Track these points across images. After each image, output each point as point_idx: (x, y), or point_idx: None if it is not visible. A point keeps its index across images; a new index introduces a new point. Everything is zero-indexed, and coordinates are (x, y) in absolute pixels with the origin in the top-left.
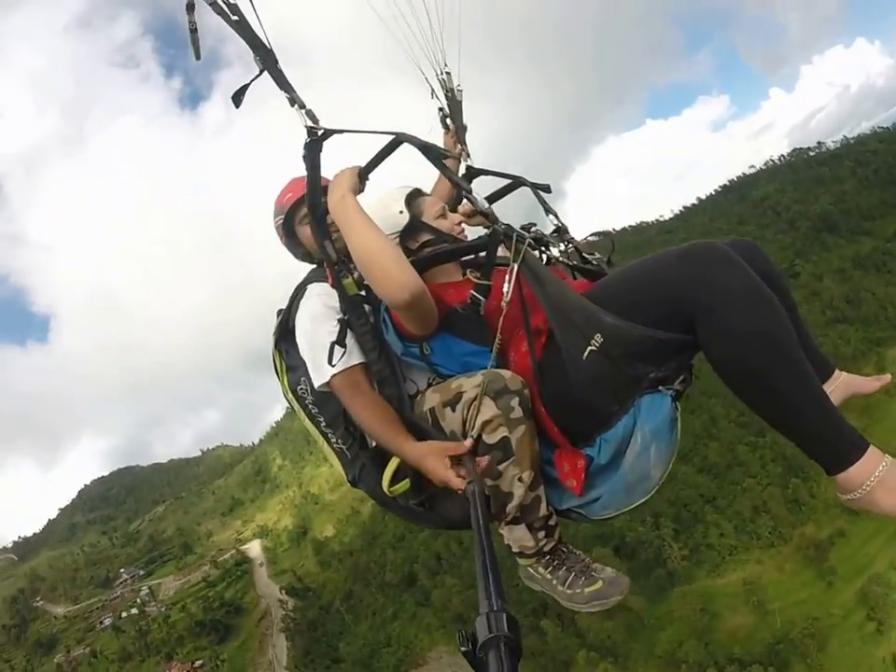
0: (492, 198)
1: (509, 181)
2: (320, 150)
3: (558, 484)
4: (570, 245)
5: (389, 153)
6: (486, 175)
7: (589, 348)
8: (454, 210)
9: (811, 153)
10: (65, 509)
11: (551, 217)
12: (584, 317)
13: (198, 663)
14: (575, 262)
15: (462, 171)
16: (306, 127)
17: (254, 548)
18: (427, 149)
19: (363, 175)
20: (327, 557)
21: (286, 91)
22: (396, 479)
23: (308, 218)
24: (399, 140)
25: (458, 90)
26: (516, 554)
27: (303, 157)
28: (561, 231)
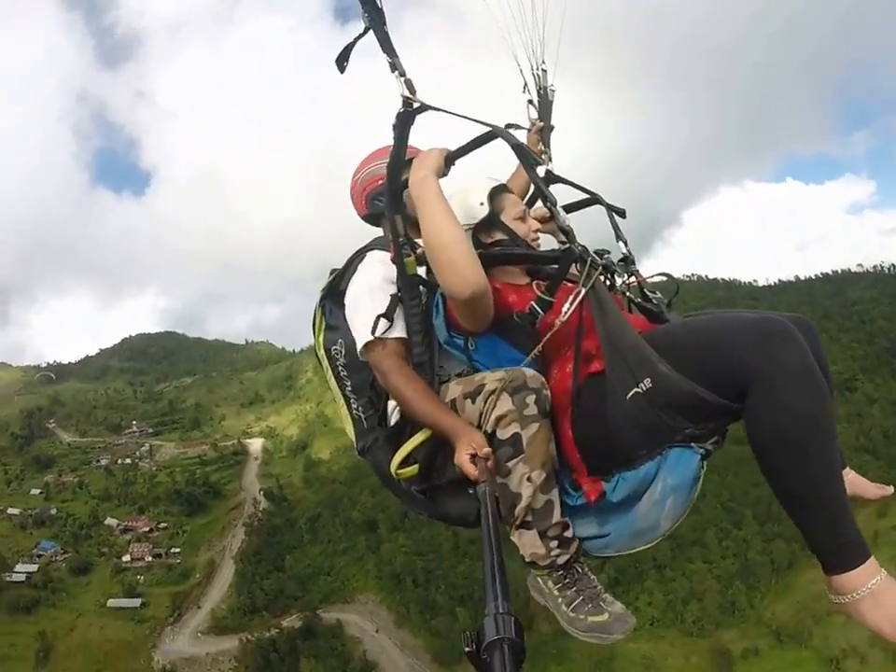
0: (564, 209)
1: (585, 196)
2: (411, 123)
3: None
4: (634, 279)
5: (481, 145)
6: (565, 184)
7: (635, 390)
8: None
9: None
10: (105, 350)
11: (620, 243)
12: (638, 358)
13: (163, 524)
14: (635, 296)
15: (541, 173)
16: (402, 96)
17: (256, 444)
18: (521, 151)
19: (450, 159)
20: (312, 477)
21: (388, 55)
22: (405, 463)
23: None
24: (493, 134)
25: (551, 89)
26: (528, 564)
27: (393, 126)
28: (628, 261)
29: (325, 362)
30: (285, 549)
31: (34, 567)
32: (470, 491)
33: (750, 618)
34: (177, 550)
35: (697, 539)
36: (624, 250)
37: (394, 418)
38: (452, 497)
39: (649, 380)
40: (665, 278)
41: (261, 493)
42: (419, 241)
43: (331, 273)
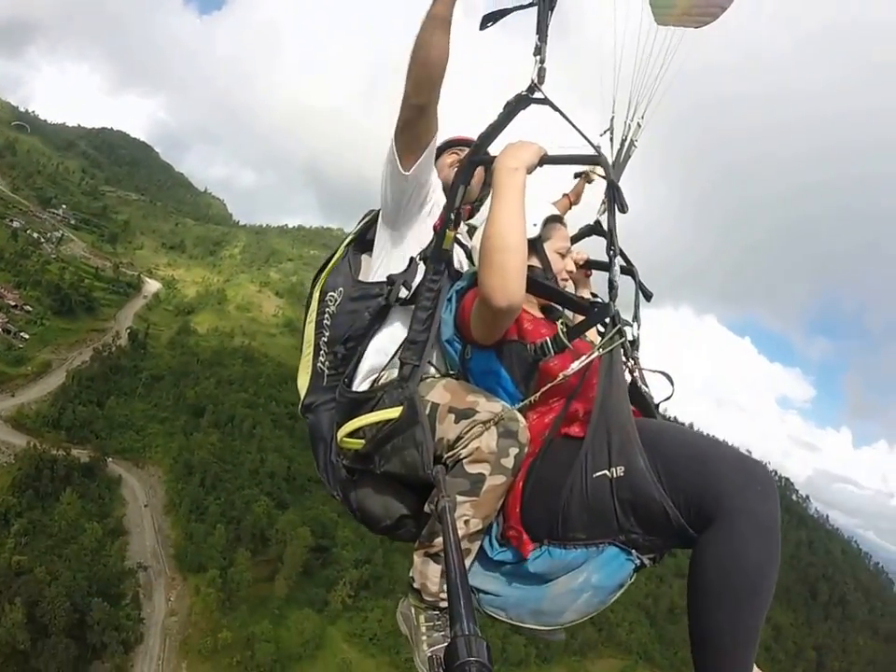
0: (591, 264)
1: (623, 263)
2: (524, 108)
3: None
4: (635, 363)
5: (578, 163)
6: (608, 241)
7: (605, 472)
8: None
9: None
10: (82, 129)
11: (635, 324)
12: (622, 442)
13: (28, 308)
14: (636, 381)
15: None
16: (532, 81)
17: (151, 286)
18: (615, 189)
19: (543, 162)
20: (178, 341)
21: (539, 38)
22: (353, 434)
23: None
24: (596, 160)
25: (635, 145)
26: (412, 589)
27: (507, 102)
28: (635, 345)
29: (313, 303)
30: (115, 389)
31: None
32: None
33: None
34: (27, 336)
35: None
36: (636, 332)
37: (362, 386)
38: (378, 490)
39: (623, 469)
40: (661, 375)
41: (127, 330)
42: (470, 221)
43: (365, 215)
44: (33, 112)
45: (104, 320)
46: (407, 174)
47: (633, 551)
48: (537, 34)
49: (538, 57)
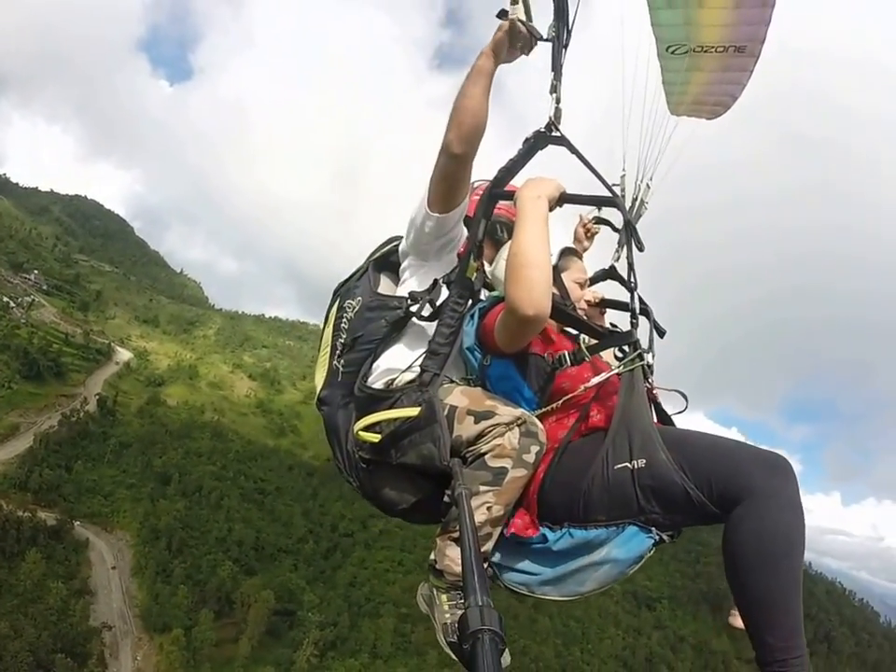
0: (607, 303)
1: (638, 304)
2: (543, 147)
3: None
4: (652, 386)
5: (595, 205)
6: (627, 276)
7: (626, 464)
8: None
9: None
10: (55, 195)
11: (650, 354)
12: (643, 441)
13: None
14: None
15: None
16: (549, 119)
17: (123, 356)
18: (631, 229)
19: (562, 199)
20: (148, 412)
21: (554, 75)
22: (369, 429)
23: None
24: (613, 202)
25: (646, 206)
26: (434, 571)
27: (526, 139)
28: (650, 369)
29: (333, 310)
30: (83, 454)
31: None
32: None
33: None
34: None
35: None
36: (652, 361)
37: (377, 384)
38: (393, 479)
39: (644, 461)
40: (678, 394)
41: (96, 397)
42: (486, 267)
43: (389, 240)
44: (4, 174)
45: (72, 385)
46: (437, 221)
47: (653, 528)
48: (552, 71)
49: (554, 95)
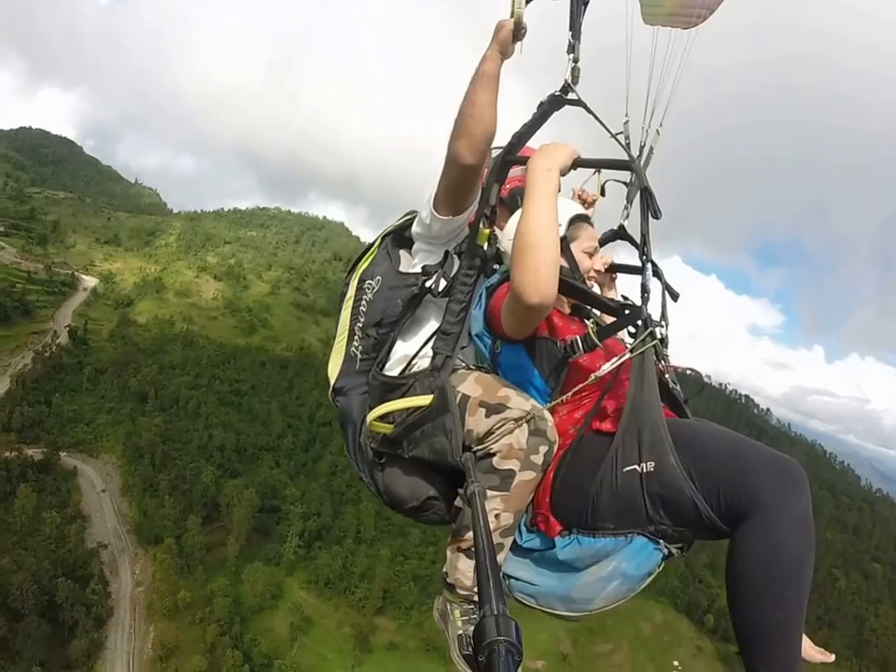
0: (616, 267)
1: (653, 270)
2: (557, 109)
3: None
4: (666, 363)
5: (611, 167)
6: (641, 247)
7: (635, 467)
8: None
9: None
10: (3, 132)
11: (663, 323)
12: (653, 440)
13: None
14: (668, 381)
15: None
16: (565, 80)
17: (89, 283)
18: (648, 195)
19: (576, 165)
20: (119, 334)
21: (572, 34)
22: (383, 418)
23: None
24: (629, 166)
25: (653, 153)
26: (447, 584)
27: (540, 103)
28: (664, 343)
29: (351, 290)
30: (60, 387)
31: None
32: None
33: None
34: None
35: None
36: (665, 332)
37: (394, 371)
38: (405, 473)
39: (653, 464)
40: (692, 373)
41: (67, 328)
42: (498, 230)
43: (407, 214)
44: None
45: (42, 322)
46: (446, 223)
47: (661, 541)
48: (570, 30)
49: (571, 56)
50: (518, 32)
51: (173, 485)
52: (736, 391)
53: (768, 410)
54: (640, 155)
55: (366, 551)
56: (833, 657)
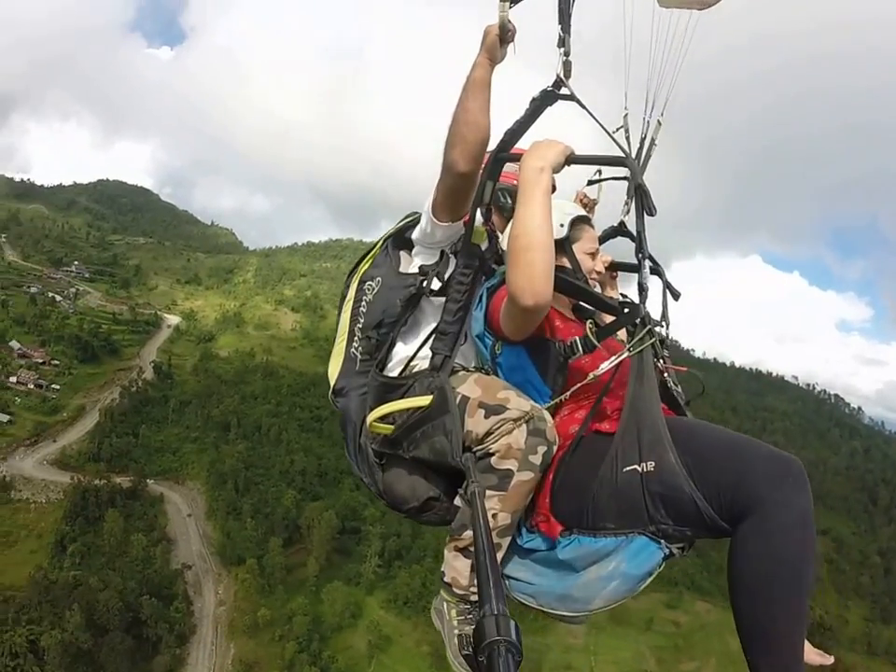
0: (617, 266)
1: (650, 265)
2: (551, 104)
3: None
4: (665, 363)
5: (605, 163)
6: (637, 245)
7: (635, 466)
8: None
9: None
10: (79, 185)
11: (663, 322)
12: (652, 439)
13: (55, 362)
14: (667, 380)
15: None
16: (557, 76)
17: (172, 321)
18: (643, 192)
19: (569, 161)
20: (202, 367)
21: (562, 28)
22: (382, 419)
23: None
24: (623, 162)
25: (655, 144)
26: (444, 584)
27: (532, 98)
28: (664, 342)
29: (351, 292)
30: (147, 419)
31: None
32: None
33: None
34: (58, 387)
35: None
36: (666, 331)
37: (394, 372)
38: (406, 474)
39: (653, 464)
40: (693, 372)
41: (152, 364)
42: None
43: (408, 216)
44: (29, 180)
45: (128, 359)
46: (445, 229)
47: (662, 540)
48: (559, 23)
49: (562, 49)
50: (504, 34)
51: (255, 509)
52: (825, 391)
53: (859, 408)
54: (641, 147)
55: None
56: (832, 659)
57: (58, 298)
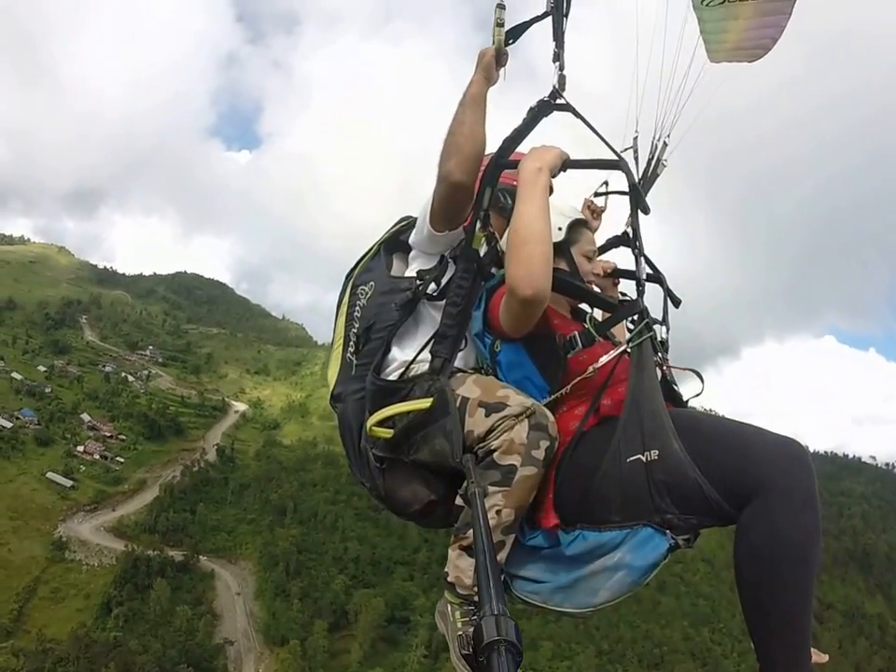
0: (619, 273)
1: (649, 271)
2: (547, 114)
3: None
4: (665, 362)
5: (600, 168)
6: (633, 242)
7: (639, 456)
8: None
9: None
10: (158, 276)
11: (663, 328)
12: (655, 428)
13: (122, 436)
14: (667, 377)
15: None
16: (553, 87)
17: (239, 407)
18: (637, 194)
19: (565, 166)
20: (265, 453)
21: (556, 44)
22: (382, 424)
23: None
24: (617, 165)
25: (664, 163)
26: (447, 584)
27: (530, 108)
28: (664, 346)
29: (346, 297)
30: (206, 498)
31: (8, 424)
32: (430, 479)
33: None
34: (122, 460)
35: None
36: (665, 335)
37: (391, 376)
38: (407, 477)
39: (657, 452)
40: (691, 372)
41: (215, 447)
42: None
43: (400, 220)
44: (111, 267)
45: (193, 441)
46: (443, 237)
47: (667, 531)
48: (553, 41)
49: (557, 64)
50: (500, 58)
51: (304, 592)
52: None
53: None
54: (647, 168)
55: None
56: (826, 657)
57: (130, 378)
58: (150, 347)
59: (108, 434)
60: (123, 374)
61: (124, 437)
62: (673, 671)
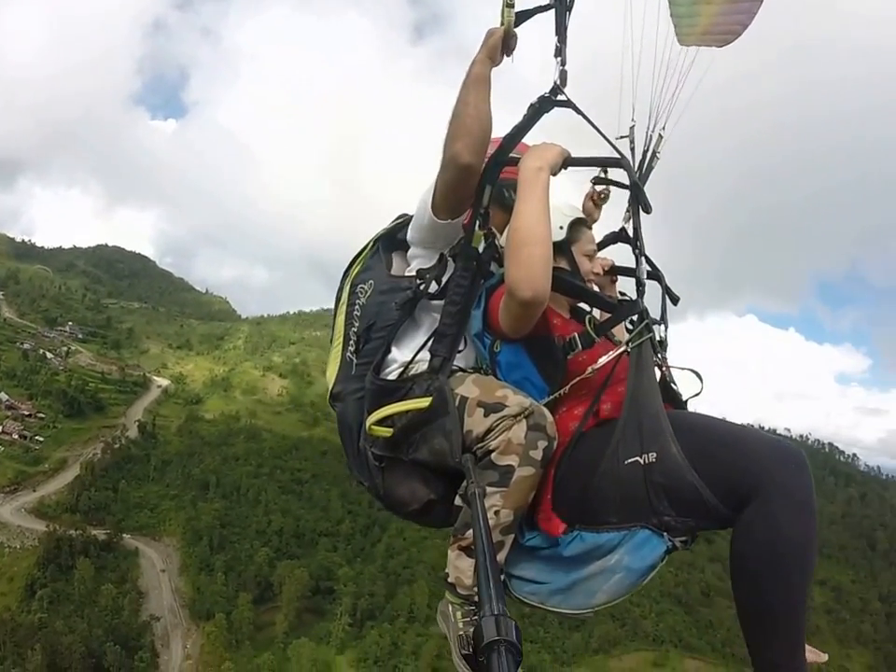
0: (617, 270)
1: (649, 269)
2: (548, 111)
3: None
4: (664, 362)
5: (602, 166)
6: (634, 242)
7: (637, 458)
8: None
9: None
10: (78, 249)
11: (662, 326)
12: (653, 429)
13: (41, 415)
14: (666, 377)
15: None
16: (554, 83)
17: (161, 383)
18: (638, 191)
19: (566, 164)
20: (187, 429)
21: (559, 39)
22: (381, 422)
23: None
24: (619, 163)
25: (658, 156)
26: (448, 584)
27: (531, 105)
28: (663, 345)
29: (344, 295)
30: (127, 475)
31: None
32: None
33: None
34: (41, 439)
35: None
36: (663, 335)
37: (391, 376)
38: (406, 476)
39: (654, 454)
40: (689, 371)
41: (136, 423)
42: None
43: (398, 218)
44: (30, 241)
45: (113, 417)
46: (445, 226)
47: (665, 533)
48: (556, 35)
49: (558, 59)
50: (508, 40)
51: (228, 566)
52: (819, 441)
53: (854, 455)
54: (643, 161)
55: (417, 630)
56: (826, 657)
57: (49, 355)
58: (70, 323)
59: (27, 413)
60: (42, 351)
61: (43, 415)
62: (593, 632)
